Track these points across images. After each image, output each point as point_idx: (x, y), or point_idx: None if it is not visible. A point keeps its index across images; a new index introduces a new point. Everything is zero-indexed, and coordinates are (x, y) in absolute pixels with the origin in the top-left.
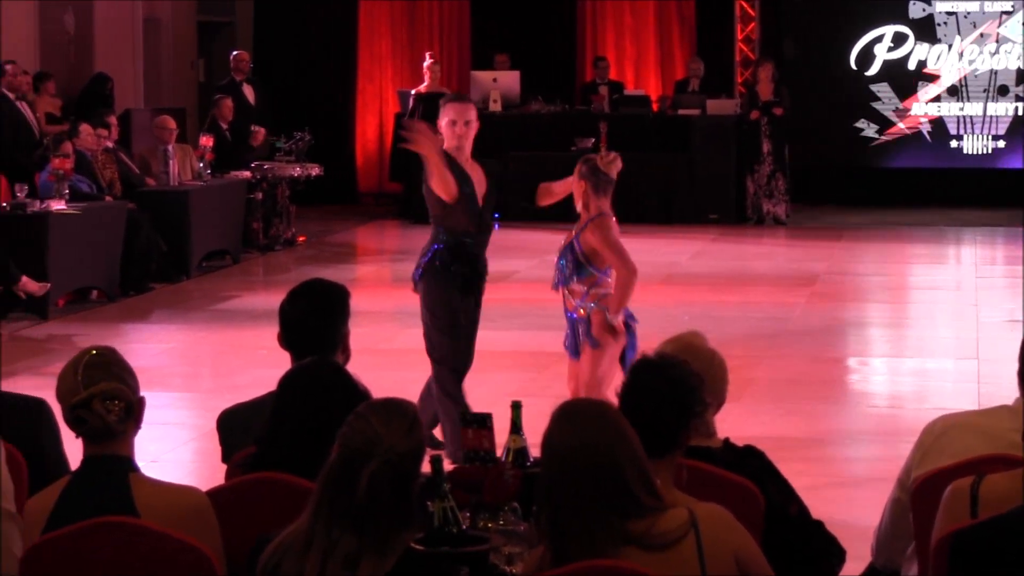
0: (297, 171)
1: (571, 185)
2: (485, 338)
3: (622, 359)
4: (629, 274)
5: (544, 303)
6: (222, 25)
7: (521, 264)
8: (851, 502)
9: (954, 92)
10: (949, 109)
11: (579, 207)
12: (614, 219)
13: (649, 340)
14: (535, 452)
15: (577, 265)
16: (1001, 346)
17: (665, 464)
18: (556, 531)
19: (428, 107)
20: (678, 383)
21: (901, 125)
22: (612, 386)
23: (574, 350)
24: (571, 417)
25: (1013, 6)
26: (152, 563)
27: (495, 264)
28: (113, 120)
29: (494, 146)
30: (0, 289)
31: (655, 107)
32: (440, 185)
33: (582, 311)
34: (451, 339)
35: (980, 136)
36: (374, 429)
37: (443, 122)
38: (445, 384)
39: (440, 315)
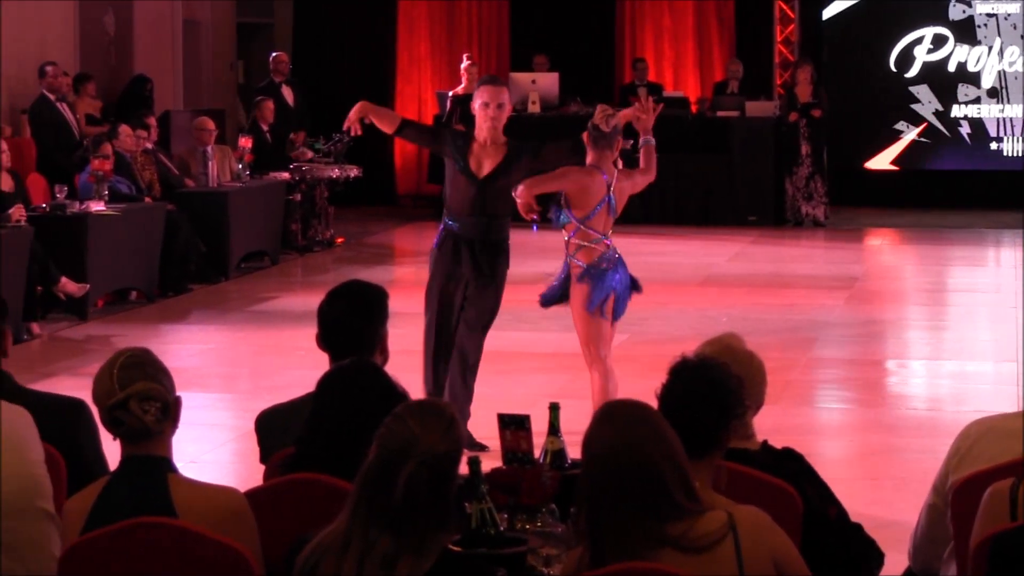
0: (336, 172)
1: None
2: (524, 339)
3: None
4: (551, 179)
5: None
6: (261, 26)
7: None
8: (890, 504)
9: (994, 94)
10: (989, 111)
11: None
12: (601, 175)
13: (687, 342)
14: (573, 454)
15: (558, 211)
16: None
17: (704, 466)
18: (594, 532)
19: (465, 109)
20: (718, 384)
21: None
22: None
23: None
24: (611, 418)
25: None
26: (190, 563)
27: (537, 265)
28: (152, 121)
29: None
30: (40, 290)
31: (694, 109)
32: (378, 122)
33: (572, 262)
34: (427, 320)
35: (1020, 138)
36: (411, 430)
37: (476, 104)
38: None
39: (427, 294)
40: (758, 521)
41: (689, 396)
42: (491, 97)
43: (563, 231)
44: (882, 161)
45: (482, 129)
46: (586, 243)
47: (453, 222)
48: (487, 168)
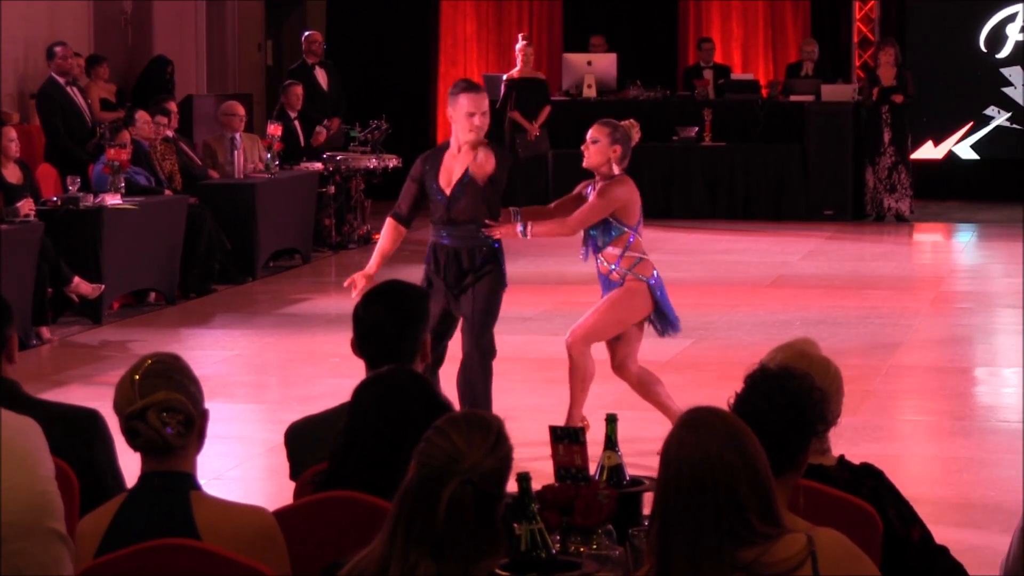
0: (373, 163)
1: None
2: None
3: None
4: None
5: None
6: (292, 4)
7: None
8: (979, 526)
9: None
10: None
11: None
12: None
13: (756, 348)
14: (631, 470)
15: (606, 226)
16: None
17: (779, 486)
18: (664, 550)
19: (521, 94)
20: (800, 398)
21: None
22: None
23: None
24: (694, 426)
25: None
26: None
27: (590, 266)
28: (173, 107)
29: None
30: (50, 291)
31: (765, 93)
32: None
33: (615, 275)
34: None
35: None
36: (455, 445)
37: (460, 112)
38: None
39: None
40: (839, 545)
41: (767, 409)
42: (476, 105)
43: (606, 248)
44: (962, 148)
45: (469, 140)
46: (642, 256)
47: (437, 234)
48: (453, 178)
